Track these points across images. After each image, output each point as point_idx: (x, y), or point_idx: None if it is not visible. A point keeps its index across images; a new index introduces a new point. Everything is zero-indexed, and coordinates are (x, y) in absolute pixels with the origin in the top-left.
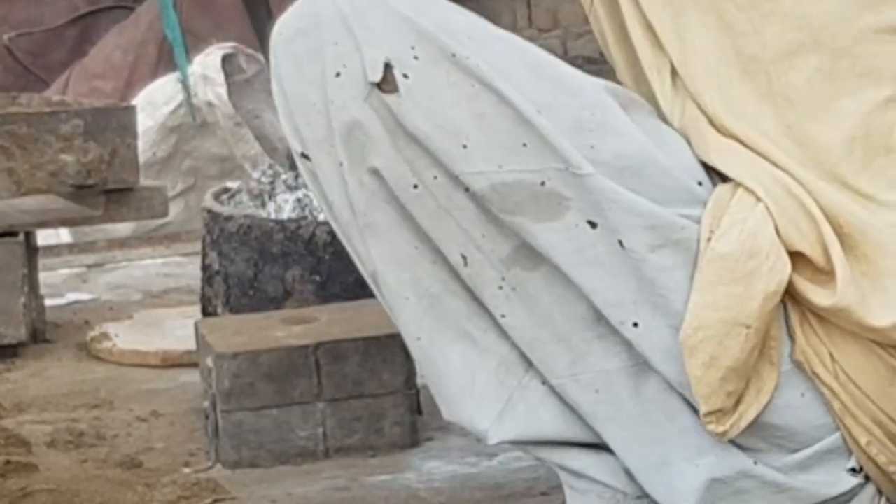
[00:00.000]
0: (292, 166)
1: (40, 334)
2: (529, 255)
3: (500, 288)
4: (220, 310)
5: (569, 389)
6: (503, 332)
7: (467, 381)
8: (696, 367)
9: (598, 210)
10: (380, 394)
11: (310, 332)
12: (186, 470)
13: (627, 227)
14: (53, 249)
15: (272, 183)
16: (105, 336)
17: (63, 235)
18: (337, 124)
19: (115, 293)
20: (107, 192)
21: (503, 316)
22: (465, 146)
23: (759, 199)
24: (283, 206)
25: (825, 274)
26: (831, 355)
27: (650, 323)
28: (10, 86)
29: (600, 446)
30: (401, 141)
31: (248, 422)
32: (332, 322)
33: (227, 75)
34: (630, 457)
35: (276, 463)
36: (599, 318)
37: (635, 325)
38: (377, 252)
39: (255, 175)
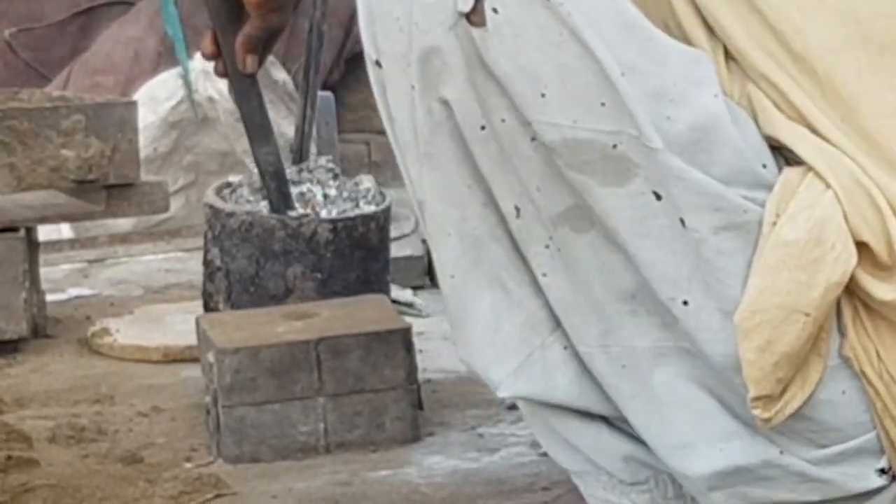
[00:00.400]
0: (294, 161)
1: (41, 329)
2: (582, 217)
3: (547, 246)
4: (221, 306)
5: (596, 360)
6: (537, 289)
7: (491, 329)
8: (751, 350)
9: (664, 184)
10: (381, 389)
11: (311, 327)
12: (188, 465)
13: (691, 206)
14: (54, 245)
15: None
16: (106, 331)
17: (64, 231)
18: (417, 46)
19: (117, 288)
20: (108, 188)
21: (544, 274)
22: (543, 95)
23: (828, 185)
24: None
25: (886, 269)
26: (878, 353)
27: (701, 302)
28: (11, 81)
29: (605, 425)
30: (478, 77)
31: (250, 417)
32: (333, 317)
33: None
34: (650, 435)
35: (277, 458)
36: (637, 294)
37: (685, 303)
38: (429, 182)
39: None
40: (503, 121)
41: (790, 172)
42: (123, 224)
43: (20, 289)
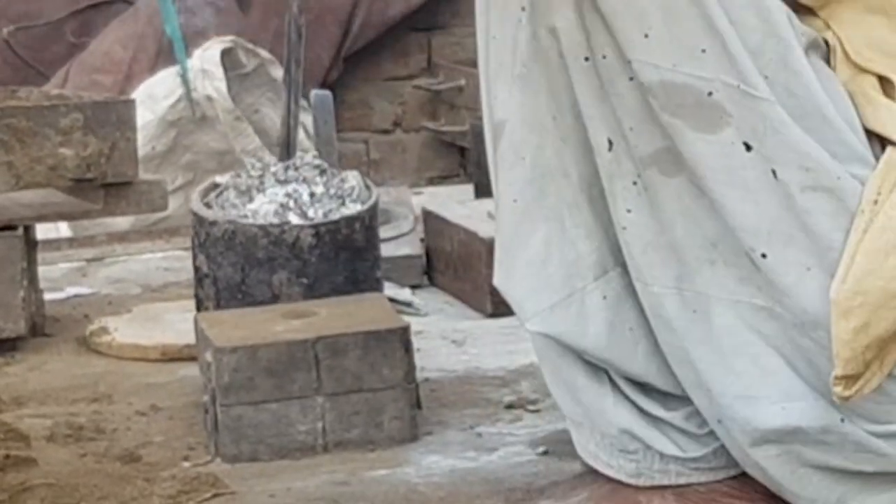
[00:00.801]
0: (281, 157)
1: (39, 328)
2: (671, 161)
3: (635, 183)
4: (211, 310)
5: (668, 300)
6: (592, 232)
7: (540, 261)
8: (846, 330)
9: (757, 135)
10: (379, 388)
11: (309, 326)
12: (186, 464)
13: (784, 161)
14: (52, 243)
15: (261, 177)
16: (104, 330)
17: (62, 229)
18: None
19: (115, 287)
20: (106, 186)
21: (629, 211)
22: (646, 35)
23: None
24: (274, 199)
25: None
26: None
27: (780, 256)
28: (9, 79)
29: (612, 392)
30: (587, 8)
31: (248, 416)
32: (331, 316)
33: (227, 70)
34: (713, 381)
35: (275, 457)
36: (718, 243)
37: (764, 255)
38: (517, 104)
39: (244, 169)
40: (604, 57)
41: (894, 153)
42: (122, 223)
43: (18, 287)
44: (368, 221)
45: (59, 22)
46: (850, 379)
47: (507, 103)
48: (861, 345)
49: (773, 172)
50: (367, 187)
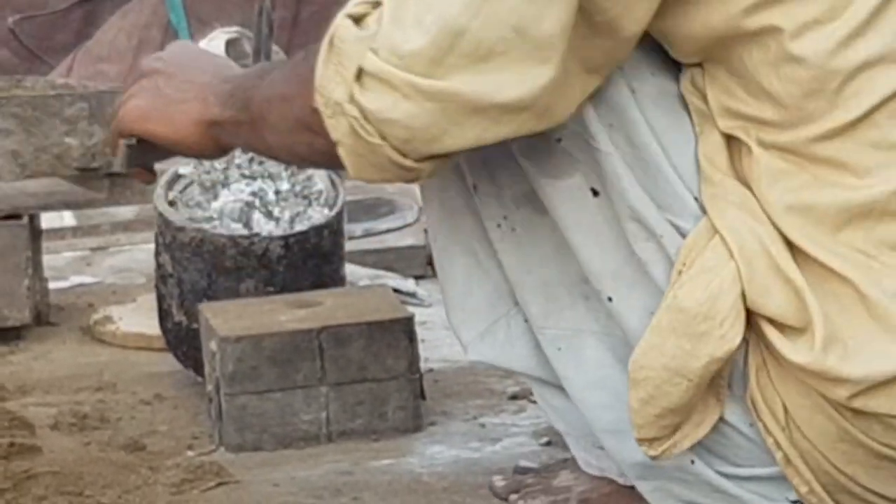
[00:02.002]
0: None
1: (44, 317)
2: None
3: (499, 225)
4: (174, 310)
5: (539, 336)
6: None
7: (464, 293)
8: (635, 399)
9: (602, 183)
10: (383, 378)
11: (313, 316)
12: (190, 453)
13: (621, 210)
14: (57, 232)
15: (226, 169)
16: (108, 319)
17: (67, 218)
18: None
19: (119, 276)
20: (111, 176)
21: (496, 252)
22: None
23: (732, 255)
24: (239, 197)
25: (797, 329)
26: (784, 406)
27: (625, 300)
28: (15, 69)
29: None
30: None
31: (252, 405)
32: (335, 306)
33: (231, 60)
34: (586, 413)
35: (279, 446)
36: (587, 279)
37: (609, 299)
38: None
39: (207, 163)
40: None
41: (704, 225)
42: (126, 212)
43: (23, 276)
44: (336, 227)
45: (64, 11)
46: (652, 440)
47: None
48: (651, 414)
49: (617, 219)
50: (334, 186)
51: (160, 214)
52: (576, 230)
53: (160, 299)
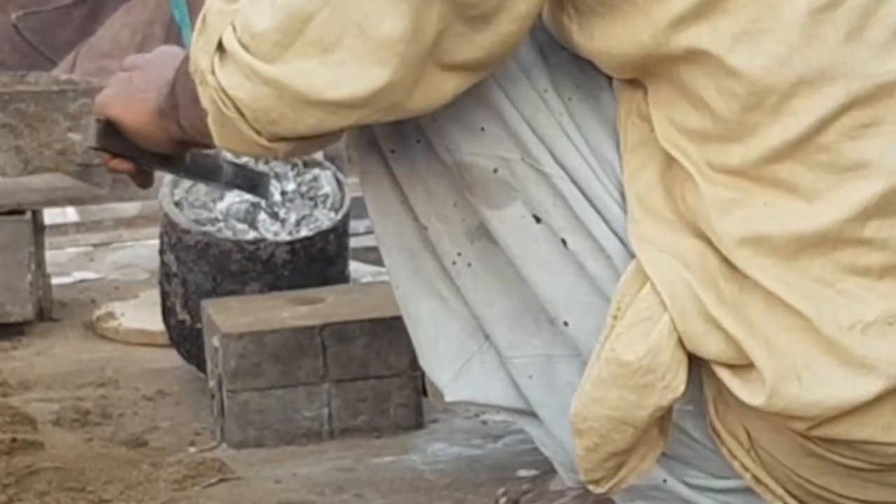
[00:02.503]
0: None
1: (47, 313)
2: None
3: (454, 262)
4: (178, 308)
5: (509, 367)
6: None
7: (433, 336)
8: (581, 447)
9: (545, 207)
10: (385, 375)
11: (316, 313)
12: (192, 449)
13: (572, 229)
14: (60, 228)
15: None
16: (111, 315)
17: (70, 214)
18: None
19: (122, 272)
20: (114, 172)
21: (458, 288)
22: (434, 119)
23: (665, 307)
24: (245, 198)
25: (745, 367)
26: (747, 431)
27: (580, 323)
28: (18, 65)
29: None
30: None
31: (254, 402)
32: (338, 303)
33: None
34: (565, 438)
35: (281, 443)
36: None
37: (566, 323)
38: (369, 199)
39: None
40: (418, 141)
41: (635, 270)
42: (129, 208)
43: (26, 271)
44: (342, 229)
45: (67, 7)
46: (599, 480)
47: (364, 196)
48: (597, 459)
49: (564, 242)
50: (340, 188)
51: (165, 215)
52: (524, 259)
53: (164, 296)
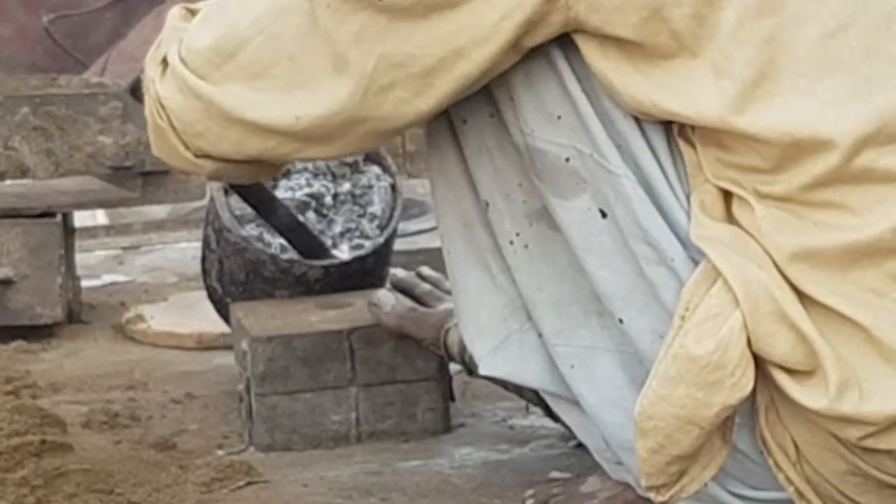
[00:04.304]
0: None
1: (76, 315)
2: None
3: (511, 242)
4: (213, 276)
5: (552, 354)
6: None
7: (476, 307)
8: (644, 449)
9: (610, 204)
10: (413, 380)
11: (344, 317)
12: (220, 452)
13: (631, 233)
14: (90, 231)
15: None
16: (140, 318)
17: (99, 217)
18: None
19: (151, 275)
20: (144, 175)
21: (509, 267)
22: (511, 98)
23: (738, 302)
24: (298, 191)
25: (806, 372)
26: (795, 443)
27: (634, 322)
28: (49, 67)
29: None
30: None
31: (282, 405)
32: (366, 307)
33: None
34: (603, 430)
35: (308, 447)
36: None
37: (620, 321)
38: (431, 163)
39: None
40: (492, 116)
41: (706, 268)
42: (159, 211)
43: (56, 274)
44: (384, 252)
45: (99, 11)
46: (660, 487)
47: (427, 159)
48: (660, 462)
49: (626, 242)
50: (394, 197)
51: (212, 200)
52: (586, 251)
53: (204, 258)
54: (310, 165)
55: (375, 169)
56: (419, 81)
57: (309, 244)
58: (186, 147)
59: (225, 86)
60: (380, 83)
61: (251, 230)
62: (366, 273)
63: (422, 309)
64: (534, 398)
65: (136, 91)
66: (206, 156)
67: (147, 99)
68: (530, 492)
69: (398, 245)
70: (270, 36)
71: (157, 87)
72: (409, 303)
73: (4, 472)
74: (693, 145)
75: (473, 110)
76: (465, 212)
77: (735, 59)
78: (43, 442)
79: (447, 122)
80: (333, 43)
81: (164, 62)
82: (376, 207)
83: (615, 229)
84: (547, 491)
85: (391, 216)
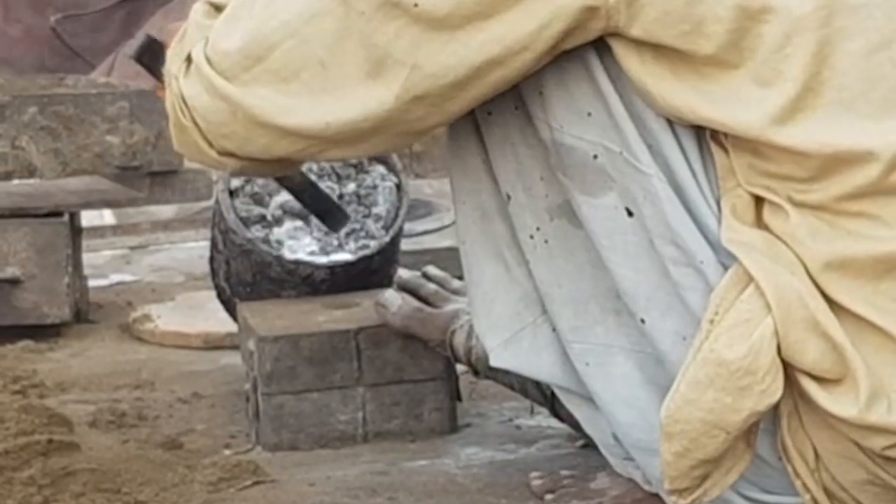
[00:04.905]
0: None
1: (83, 314)
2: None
3: (531, 237)
4: (220, 275)
5: (568, 350)
6: None
7: (490, 299)
8: (669, 452)
9: (637, 203)
10: (420, 379)
11: (351, 316)
12: (227, 452)
13: (659, 233)
14: (97, 230)
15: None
16: (147, 317)
17: (107, 217)
18: None
19: (158, 275)
20: (151, 174)
21: (528, 261)
22: (541, 93)
23: (770, 308)
24: (286, 209)
25: (834, 380)
26: (815, 451)
27: (657, 323)
28: (57, 68)
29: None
30: None
31: (289, 405)
32: (373, 308)
33: None
34: (616, 428)
35: (315, 446)
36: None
37: (642, 321)
38: (451, 152)
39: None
40: (517, 108)
41: (737, 272)
42: (166, 211)
43: (63, 273)
44: (389, 251)
45: (106, 11)
46: (683, 491)
47: (447, 147)
48: (685, 466)
49: (651, 242)
50: (399, 197)
51: (217, 202)
52: (610, 249)
53: (212, 258)
54: (314, 166)
55: (380, 169)
56: (452, 90)
57: (325, 206)
58: (211, 145)
59: (252, 89)
60: (413, 92)
61: (256, 232)
62: (371, 273)
63: (428, 309)
64: (539, 398)
65: (141, 57)
66: (231, 154)
67: (169, 94)
68: (537, 474)
69: (404, 245)
70: (301, 40)
71: (180, 84)
72: (415, 303)
73: (12, 472)
74: (725, 150)
75: (498, 102)
76: (483, 203)
77: (781, 71)
78: (50, 441)
79: (470, 112)
80: (366, 50)
81: (189, 59)
82: (381, 208)
83: (641, 228)
84: (557, 479)
85: (396, 216)
